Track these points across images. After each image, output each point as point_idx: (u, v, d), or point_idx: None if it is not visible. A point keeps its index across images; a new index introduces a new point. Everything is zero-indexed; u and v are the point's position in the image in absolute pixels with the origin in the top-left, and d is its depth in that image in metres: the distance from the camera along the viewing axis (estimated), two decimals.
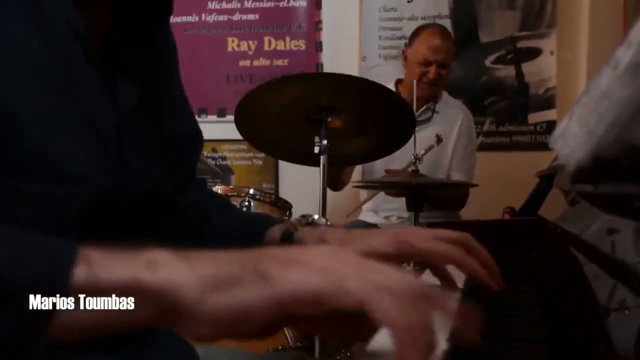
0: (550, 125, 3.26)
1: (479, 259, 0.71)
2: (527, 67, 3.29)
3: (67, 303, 0.43)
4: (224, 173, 3.51)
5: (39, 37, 0.60)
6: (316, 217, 0.86)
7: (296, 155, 2.16)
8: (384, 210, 2.72)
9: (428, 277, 0.86)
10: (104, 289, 0.44)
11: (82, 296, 0.44)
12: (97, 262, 0.45)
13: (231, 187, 2.68)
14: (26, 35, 0.59)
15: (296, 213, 2.46)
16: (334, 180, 2.57)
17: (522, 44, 3.29)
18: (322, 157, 1.84)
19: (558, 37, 3.25)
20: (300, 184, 2.69)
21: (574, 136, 0.50)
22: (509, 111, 3.32)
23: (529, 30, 3.28)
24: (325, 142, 1.82)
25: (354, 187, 2.64)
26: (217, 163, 3.52)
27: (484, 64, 3.33)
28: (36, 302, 0.43)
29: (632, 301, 0.50)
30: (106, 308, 0.44)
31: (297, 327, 0.47)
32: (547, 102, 3.27)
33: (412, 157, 2.10)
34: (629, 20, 2.97)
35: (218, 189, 2.30)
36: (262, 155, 3.44)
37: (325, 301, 0.44)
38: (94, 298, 0.44)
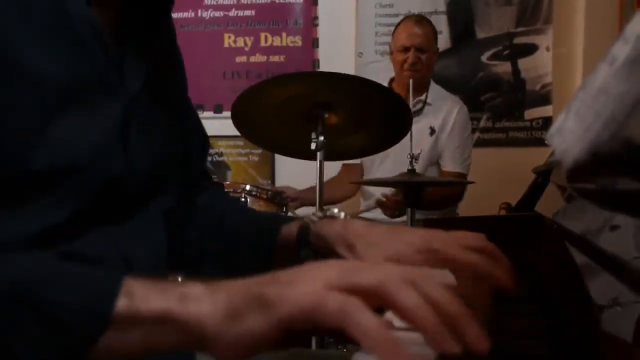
0: (547, 121, 3.26)
1: (502, 267, 0.71)
2: (523, 63, 3.29)
3: (109, 332, 0.50)
4: (220, 169, 3.51)
5: (57, 29, 0.63)
6: (335, 210, 0.84)
7: (293, 151, 2.16)
8: None
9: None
10: (142, 318, 0.51)
11: (122, 325, 0.50)
12: (137, 294, 0.51)
13: (227, 183, 2.67)
14: (46, 27, 0.62)
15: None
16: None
17: (518, 40, 3.29)
18: (318, 153, 1.84)
19: (554, 33, 3.25)
20: (296, 180, 2.69)
21: (570, 132, 0.50)
22: (505, 107, 3.32)
23: (525, 26, 3.28)
24: (322, 138, 1.82)
25: (351, 183, 2.66)
26: (214, 159, 3.51)
27: (480, 60, 3.32)
28: (82, 332, 0.50)
29: (625, 297, 0.50)
30: (142, 335, 0.51)
31: (307, 333, 0.52)
32: (543, 98, 3.27)
33: (409, 156, 2.11)
34: (625, 16, 2.98)
35: None
36: (259, 151, 3.43)
37: (316, 319, 0.48)
38: (133, 326, 0.51)
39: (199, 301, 0.51)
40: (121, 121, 0.69)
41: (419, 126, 2.45)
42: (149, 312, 0.50)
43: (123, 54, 0.72)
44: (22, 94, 0.59)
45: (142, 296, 0.51)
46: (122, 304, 0.50)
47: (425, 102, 2.69)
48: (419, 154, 2.17)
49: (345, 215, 0.84)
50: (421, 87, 2.64)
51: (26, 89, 0.59)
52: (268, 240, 0.85)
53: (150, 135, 0.74)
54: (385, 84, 2.70)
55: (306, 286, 0.49)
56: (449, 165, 2.67)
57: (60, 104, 0.62)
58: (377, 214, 2.72)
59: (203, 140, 0.96)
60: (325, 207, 0.86)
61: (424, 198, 2.29)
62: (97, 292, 0.51)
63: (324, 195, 1.92)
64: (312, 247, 0.80)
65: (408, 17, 2.83)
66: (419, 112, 2.64)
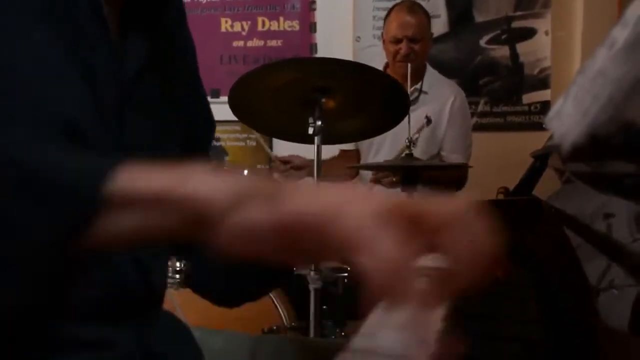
0: (545, 106, 3.25)
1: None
2: (521, 47, 3.28)
3: (103, 212, 0.46)
4: (217, 154, 3.50)
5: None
6: None
7: (291, 135, 2.16)
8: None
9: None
10: (139, 198, 0.47)
11: (116, 205, 0.46)
12: (134, 172, 0.47)
13: (225, 168, 2.68)
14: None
15: None
16: None
17: (516, 24, 3.28)
18: (316, 137, 1.84)
19: (553, 17, 3.24)
20: None
21: (569, 116, 0.50)
22: (504, 91, 3.31)
23: (523, 10, 3.27)
24: (319, 122, 1.82)
25: (349, 167, 2.66)
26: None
27: (478, 44, 3.31)
28: (76, 206, 0.46)
29: (621, 281, 0.50)
30: (139, 218, 0.47)
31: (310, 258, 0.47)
32: (542, 82, 3.27)
33: (406, 140, 2.10)
34: (624, 1, 2.96)
35: None
36: (256, 135, 3.43)
37: (325, 233, 0.42)
38: (130, 207, 0.47)
39: (201, 180, 0.47)
40: (116, 105, 0.68)
41: (415, 115, 2.42)
42: (147, 190, 0.47)
43: (126, 36, 0.70)
44: (12, 80, 0.58)
45: (139, 174, 0.48)
46: (117, 181, 0.47)
47: (421, 91, 2.67)
48: (417, 138, 2.16)
49: None
50: (417, 76, 2.61)
51: (17, 73, 0.58)
52: None
53: (150, 114, 0.73)
54: (382, 68, 2.69)
55: (328, 197, 0.44)
56: (452, 157, 2.65)
57: (51, 88, 0.61)
58: None
59: (210, 129, 0.95)
60: None
61: (425, 183, 2.29)
62: (89, 168, 0.48)
63: (322, 173, 1.92)
64: None
65: (399, 4, 2.73)
66: (415, 100, 2.62)
